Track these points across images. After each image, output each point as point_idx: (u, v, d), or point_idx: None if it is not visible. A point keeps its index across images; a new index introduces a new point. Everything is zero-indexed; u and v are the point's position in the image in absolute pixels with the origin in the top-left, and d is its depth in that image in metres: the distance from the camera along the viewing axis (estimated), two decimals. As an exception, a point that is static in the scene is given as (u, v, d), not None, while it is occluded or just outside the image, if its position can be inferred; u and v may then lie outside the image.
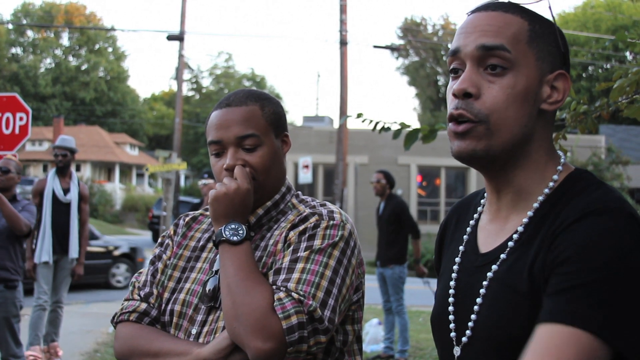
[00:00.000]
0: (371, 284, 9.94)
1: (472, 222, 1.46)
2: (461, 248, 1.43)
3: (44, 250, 6.76)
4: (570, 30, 39.53)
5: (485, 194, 1.47)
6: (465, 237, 1.44)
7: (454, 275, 1.41)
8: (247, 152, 1.81)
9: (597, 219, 1.18)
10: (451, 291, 1.40)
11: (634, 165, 24.66)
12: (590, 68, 42.92)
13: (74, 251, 6.98)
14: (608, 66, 38.63)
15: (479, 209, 1.47)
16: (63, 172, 7.03)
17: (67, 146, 7.05)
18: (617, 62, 36.07)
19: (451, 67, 1.36)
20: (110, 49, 60.21)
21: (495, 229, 1.38)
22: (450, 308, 1.38)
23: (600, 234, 1.16)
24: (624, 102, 2.83)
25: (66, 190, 7.02)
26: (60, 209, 6.95)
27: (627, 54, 32.15)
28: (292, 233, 1.76)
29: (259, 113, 1.85)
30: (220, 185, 1.77)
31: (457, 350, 1.36)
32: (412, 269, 7.97)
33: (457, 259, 1.42)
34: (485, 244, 1.38)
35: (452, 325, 1.37)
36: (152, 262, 1.94)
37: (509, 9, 1.34)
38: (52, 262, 6.82)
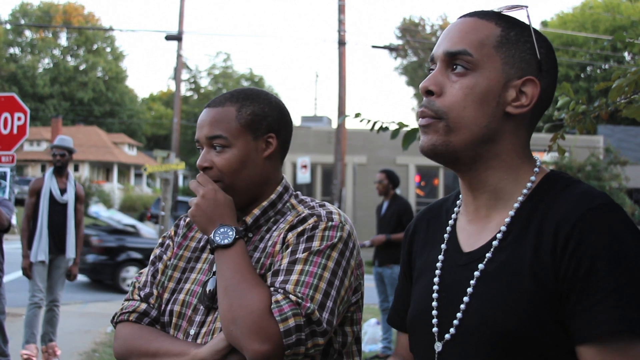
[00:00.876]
0: (369, 284, 9.94)
1: (450, 222, 1.48)
2: (443, 246, 1.45)
3: (40, 249, 6.75)
4: (569, 30, 39.58)
5: (459, 196, 1.50)
6: (445, 236, 1.47)
7: (437, 272, 1.42)
8: (216, 153, 1.83)
9: (597, 218, 1.23)
10: (435, 287, 1.41)
11: (632, 166, 24.68)
12: (588, 68, 42.96)
13: (71, 251, 6.98)
14: (606, 66, 38.67)
15: (455, 209, 1.50)
16: (60, 171, 7.04)
17: (66, 146, 7.05)
18: (616, 62, 36.08)
19: (429, 69, 1.42)
20: (108, 49, 60.21)
21: (476, 229, 1.40)
22: (434, 304, 1.40)
23: (607, 236, 1.20)
24: (622, 102, 2.83)
25: (63, 191, 7.02)
26: (57, 209, 6.94)
27: (626, 54, 32.17)
28: (290, 234, 1.75)
29: (233, 115, 1.84)
30: (190, 203, 1.79)
31: (438, 346, 1.37)
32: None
33: (440, 257, 1.44)
34: (468, 244, 1.40)
35: (434, 321, 1.38)
36: (153, 263, 1.94)
37: (485, 16, 1.38)
38: (47, 261, 6.82)
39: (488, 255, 1.33)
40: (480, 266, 1.33)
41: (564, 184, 1.33)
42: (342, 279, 1.70)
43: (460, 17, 1.41)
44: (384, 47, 24.95)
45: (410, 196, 25.30)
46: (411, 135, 3.09)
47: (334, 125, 25.31)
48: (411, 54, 53.44)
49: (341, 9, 20.33)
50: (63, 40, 59.22)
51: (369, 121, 3.16)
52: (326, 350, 1.75)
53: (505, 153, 1.36)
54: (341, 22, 20.28)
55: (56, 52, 58.46)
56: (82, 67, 57.35)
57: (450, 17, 54.61)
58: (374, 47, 23.36)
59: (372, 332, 8.41)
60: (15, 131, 8.04)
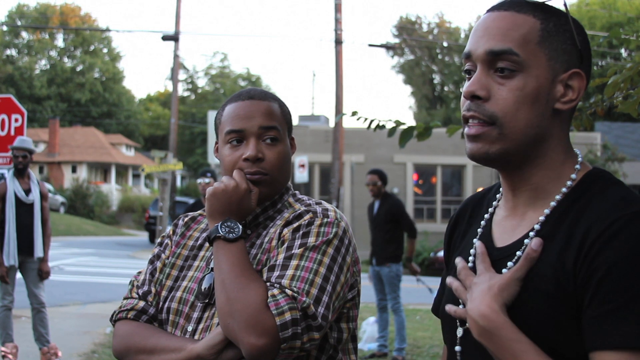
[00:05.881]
0: (365, 283, 9.95)
1: (486, 216, 1.46)
2: (477, 240, 1.43)
3: (10, 253, 6.74)
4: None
5: (500, 189, 1.47)
6: (479, 230, 1.44)
7: (469, 265, 1.40)
8: (266, 146, 1.83)
9: (625, 226, 1.18)
10: None
11: (629, 162, 24.71)
12: (585, 65, 42.94)
13: (39, 250, 6.94)
14: (603, 63, 38.73)
15: (494, 203, 1.47)
16: (22, 173, 6.99)
17: (26, 147, 7.01)
18: (612, 59, 36.12)
19: (465, 68, 1.37)
20: (105, 50, 60.10)
21: (511, 225, 1.38)
22: None
23: (630, 246, 1.16)
24: (618, 98, 2.83)
25: (27, 191, 6.99)
26: (24, 210, 6.90)
27: (622, 50, 32.19)
28: (285, 230, 1.77)
29: (279, 110, 1.89)
30: (219, 182, 1.79)
31: (459, 331, 1.37)
32: (405, 267, 8.02)
33: (473, 251, 1.41)
34: (501, 239, 1.38)
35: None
36: (151, 262, 1.96)
37: (522, 7, 1.33)
38: (17, 264, 6.83)
39: (518, 253, 1.30)
40: (509, 264, 1.30)
41: (603, 186, 1.29)
42: (338, 275, 1.71)
43: (494, 11, 1.35)
44: (381, 46, 25.01)
45: (408, 194, 25.32)
46: (408, 133, 3.10)
47: (332, 124, 25.32)
48: (408, 53, 53.44)
49: (337, 8, 20.34)
50: (60, 41, 59.11)
51: (365, 119, 3.17)
52: (322, 345, 1.77)
53: (552, 150, 1.33)
54: (338, 21, 20.29)
55: (53, 53, 58.34)
56: (79, 68, 57.22)
57: (447, 15, 54.65)
58: (370, 45, 23.39)
59: (371, 330, 8.42)
60: (12, 132, 8.03)
